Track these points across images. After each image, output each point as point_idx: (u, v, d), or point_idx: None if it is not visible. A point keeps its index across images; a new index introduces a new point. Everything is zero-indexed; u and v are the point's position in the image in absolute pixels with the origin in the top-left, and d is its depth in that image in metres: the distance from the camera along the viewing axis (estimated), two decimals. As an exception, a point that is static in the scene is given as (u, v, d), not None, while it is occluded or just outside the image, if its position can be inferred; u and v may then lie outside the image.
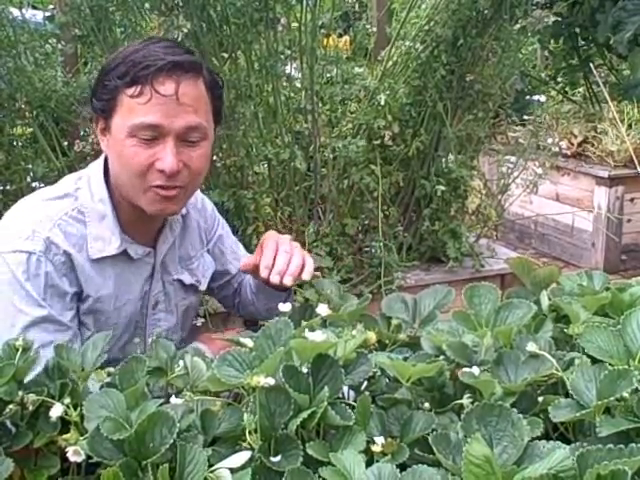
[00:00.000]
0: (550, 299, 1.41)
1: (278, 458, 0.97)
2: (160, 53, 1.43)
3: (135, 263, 1.57)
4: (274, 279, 1.55)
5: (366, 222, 3.04)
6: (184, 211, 1.66)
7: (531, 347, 1.13)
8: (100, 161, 1.54)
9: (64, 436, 1.06)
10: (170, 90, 1.41)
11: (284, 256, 1.56)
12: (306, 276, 1.56)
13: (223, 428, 1.05)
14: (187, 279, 1.69)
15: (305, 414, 0.99)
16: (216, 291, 1.89)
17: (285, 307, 1.30)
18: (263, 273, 1.56)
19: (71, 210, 1.49)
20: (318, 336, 1.09)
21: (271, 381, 1.00)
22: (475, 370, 1.11)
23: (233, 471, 0.96)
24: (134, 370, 1.16)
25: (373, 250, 2.84)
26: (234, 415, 1.05)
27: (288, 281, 1.55)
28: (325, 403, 1.00)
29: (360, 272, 2.89)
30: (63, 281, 1.46)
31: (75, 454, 1.03)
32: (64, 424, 1.12)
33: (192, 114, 1.45)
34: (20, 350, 1.24)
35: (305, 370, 1.07)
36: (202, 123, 1.47)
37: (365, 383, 1.23)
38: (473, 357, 1.18)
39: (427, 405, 1.12)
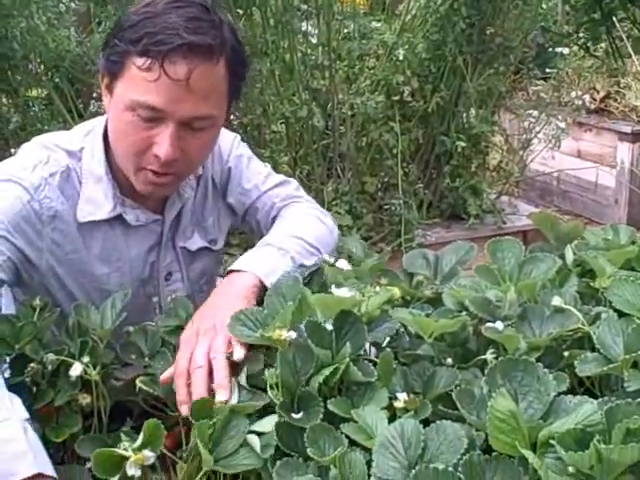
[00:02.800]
0: (575, 254, 1.38)
1: (300, 415, 0.96)
2: (179, 27, 1.27)
3: (135, 230, 1.49)
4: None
5: (385, 180, 3.01)
6: (198, 172, 1.58)
7: (556, 301, 1.11)
8: (104, 118, 1.48)
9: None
10: (181, 74, 1.27)
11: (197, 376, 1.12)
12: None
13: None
14: (198, 243, 1.62)
15: (327, 370, 0.97)
16: (244, 226, 1.77)
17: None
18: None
19: (75, 168, 1.43)
20: (344, 292, 1.07)
21: (293, 335, 0.99)
22: (499, 325, 1.08)
23: (260, 434, 0.96)
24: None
25: (393, 208, 2.81)
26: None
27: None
28: (347, 359, 0.98)
29: (380, 230, 2.86)
30: (28, 230, 1.36)
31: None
32: (84, 383, 1.12)
33: (201, 103, 1.31)
34: (39, 309, 1.24)
35: (329, 327, 1.06)
36: (211, 113, 1.34)
37: (387, 340, 1.22)
38: (496, 312, 1.16)
39: (450, 361, 1.10)
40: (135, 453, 0.90)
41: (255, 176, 1.66)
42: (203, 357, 1.12)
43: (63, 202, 1.40)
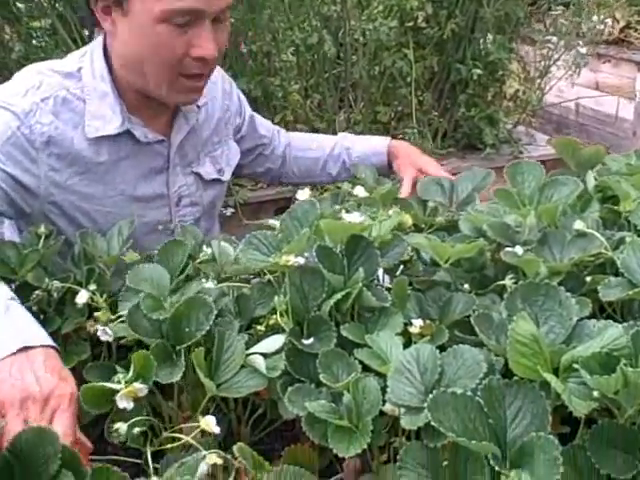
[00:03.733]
0: (596, 179, 1.33)
1: (311, 340, 0.93)
2: None
3: (143, 149, 1.46)
4: None
5: (399, 109, 2.92)
6: (202, 102, 1.55)
7: (578, 225, 1.06)
8: (100, 39, 1.44)
9: (95, 314, 1.03)
10: None
11: None
12: None
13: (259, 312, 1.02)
14: (209, 170, 1.60)
15: (339, 295, 0.94)
16: (247, 168, 1.80)
17: (303, 195, 1.23)
18: None
19: (73, 88, 1.40)
20: (355, 217, 1.03)
21: (301, 260, 0.95)
22: (518, 249, 1.04)
23: (267, 355, 0.93)
24: (173, 253, 1.12)
25: (407, 137, 2.74)
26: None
27: None
28: (360, 284, 0.95)
29: (393, 161, 2.79)
30: (20, 157, 1.33)
31: (104, 333, 1.00)
32: (92, 312, 1.09)
33: None
34: (43, 237, 1.21)
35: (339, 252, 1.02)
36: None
37: (400, 267, 1.19)
38: (515, 237, 1.12)
39: (467, 287, 1.06)
40: (126, 386, 0.88)
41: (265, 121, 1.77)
42: None
43: (58, 127, 1.36)
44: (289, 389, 0.86)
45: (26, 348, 0.95)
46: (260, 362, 0.91)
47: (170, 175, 1.52)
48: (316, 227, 1.03)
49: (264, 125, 1.80)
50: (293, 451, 0.90)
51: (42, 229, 1.22)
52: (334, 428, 0.80)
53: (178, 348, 0.95)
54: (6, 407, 0.88)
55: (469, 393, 0.73)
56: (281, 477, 0.81)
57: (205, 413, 0.90)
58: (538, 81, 3.13)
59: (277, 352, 0.93)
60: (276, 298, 0.97)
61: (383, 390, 0.82)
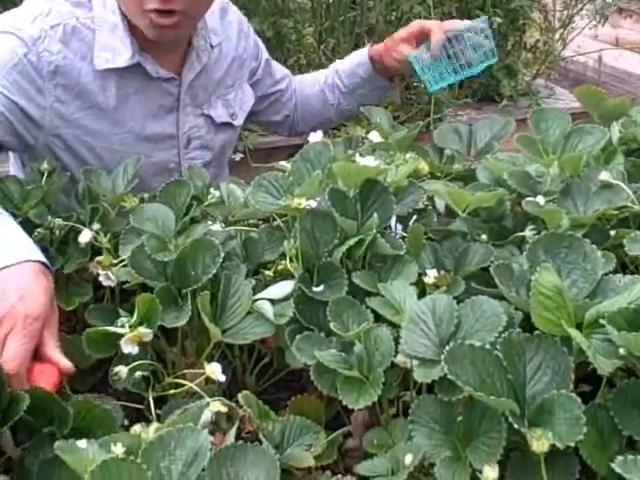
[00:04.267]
0: (621, 132, 1.27)
1: (321, 287, 0.89)
2: None
3: (153, 86, 1.41)
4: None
5: (415, 56, 2.83)
6: (215, 41, 1.49)
7: (604, 176, 1.01)
8: None
9: (97, 258, 1.00)
10: None
11: None
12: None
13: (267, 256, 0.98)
14: (220, 113, 1.55)
15: (352, 241, 0.90)
16: (263, 115, 1.76)
17: (315, 137, 1.17)
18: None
19: (83, 17, 1.34)
20: (370, 161, 0.98)
21: (313, 203, 0.91)
22: (540, 199, 1.00)
23: (275, 302, 0.89)
24: (177, 193, 1.07)
25: (422, 86, 2.66)
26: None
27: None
28: (374, 230, 0.90)
29: (408, 110, 2.73)
30: (26, 85, 1.28)
31: (107, 278, 0.96)
32: (95, 252, 1.06)
33: None
34: (47, 173, 1.17)
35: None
36: None
37: (414, 217, 1.14)
38: (537, 187, 1.07)
39: (484, 237, 1.02)
40: (130, 330, 0.84)
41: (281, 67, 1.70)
42: None
43: (66, 57, 1.32)
44: (297, 337, 0.82)
45: (7, 267, 0.91)
46: (268, 308, 0.87)
47: (180, 115, 1.48)
48: (329, 170, 0.98)
49: (280, 71, 1.74)
50: (299, 402, 0.87)
51: (45, 165, 1.18)
52: (344, 379, 0.77)
53: (184, 292, 0.92)
54: None
55: (488, 346, 0.69)
56: (287, 427, 0.78)
57: (209, 360, 0.87)
58: (560, 32, 3.03)
59: (285, 299, 0.90)
60: (286, 243, 0.93)
61: (396, 341, 0.78)
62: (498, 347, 0.70)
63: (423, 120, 2.66)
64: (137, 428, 0.73)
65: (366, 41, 2.75)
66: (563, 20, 3.00)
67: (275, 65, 1.74)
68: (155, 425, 0.70)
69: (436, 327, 0.76)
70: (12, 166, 1.52)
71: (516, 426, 0.64)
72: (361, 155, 1.05)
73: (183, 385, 0.86)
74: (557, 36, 3.01)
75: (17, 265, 0.91)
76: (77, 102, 1.34)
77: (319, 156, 1.02)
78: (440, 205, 1.19)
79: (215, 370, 0.81)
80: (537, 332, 0.72)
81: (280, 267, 0.96)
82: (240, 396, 0.78)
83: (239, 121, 1.62)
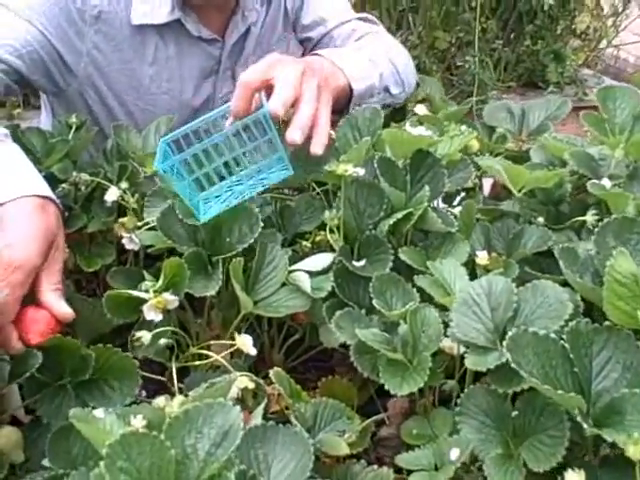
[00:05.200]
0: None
1: (363, 262, 0.82)
2: None
3: (194, 47, 1.34)
4: (294, 136, 0.91)
5: (460, 35, 2.73)
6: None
7: (677, 160, 0.93)
8: None
9: (121, 220, 0.93)
10: None
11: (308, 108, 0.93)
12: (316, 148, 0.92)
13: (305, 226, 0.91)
14: None
15: (400, 214, 0.82)
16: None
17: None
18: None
19: None
20: (421, 131, 0.90)
21: (361, 171, 0.84)
22: (605, 182, 0.91)
23: (312, 275, 0.82)
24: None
25: (467, 66, 2.56)
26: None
27: (296, 136, 0.90)
28: (425, 204, 0.83)
29: (449, 91, 2.64)
30: (65, 26, 1.21)
31: (130, 241, 0.90)
32: (121, 213, 0.99)
33: None
34: (74, 127, 1.10)
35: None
36: None
37: (461, 194, 1.07)
38: (600, 170, 0.99)
39: (541, 220, 0.94)
40: (155, 296, 0.78)
41: (333, 4, 1.48)
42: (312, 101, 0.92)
43: (111, 2, 1.25)
44: (337, 313, 0.75)
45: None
46: (305, 280, 0.80)
47: (219, 79, 1.39)
48: (378, 137, 0.91)
49: (315, 13, 1.48)
50: (330, 383, 0.80)
51: (74, 119, 1.11)
52: (386, 361, 0.70)
53: (215, 259, 0.85)
54: None
55: (553, 336, 0.62)
56: (319, 410, 0.71)
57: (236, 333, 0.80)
58: (612, 18, 2.91)
59: (323, 272, 0.83)
60: (327, 213, 0.86)
61: (444, 324, 0.71)
62: (564, 337, 0.62)
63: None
64: (160, 401, 0.66)
65: (410, 18, 2.66)
66: (617, 6, 2.88)
67: (312, 4, 1.49)
68: (180, 398, 0.64)
69: (491, 311, 0.69)
70: (43, 120, 1.46)
71: (585, 426, 0.56)
72: (412, 125, 0.98)
73: (207, 357, 0.79)
74: (610, 22, 2.89)
75: (11, 203, 0.81)
76: (115, 54, 1.28)
77: (367, 123, 0.95)
78: (487, 186, 1.12)
79: (246, 342, 0.75)
80: (607, 323, 0.64)
81: (318, 238, 0.89)
82: (272, 372, 0.71)
83: None
